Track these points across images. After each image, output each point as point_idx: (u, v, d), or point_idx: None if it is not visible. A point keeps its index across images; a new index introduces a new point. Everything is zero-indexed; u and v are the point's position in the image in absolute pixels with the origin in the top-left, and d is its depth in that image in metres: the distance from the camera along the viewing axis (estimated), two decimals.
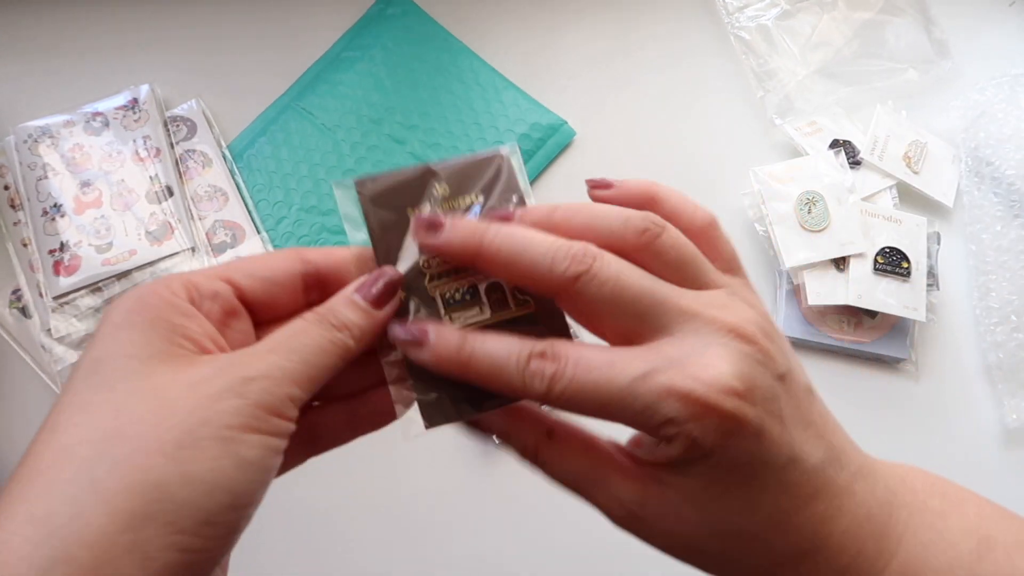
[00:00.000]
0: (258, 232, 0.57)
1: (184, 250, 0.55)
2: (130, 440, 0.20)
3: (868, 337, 0.56)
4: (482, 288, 0.27)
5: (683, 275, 0.24)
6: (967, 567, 0.25)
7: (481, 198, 0.28)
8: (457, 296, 0.26)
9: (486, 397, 0.25)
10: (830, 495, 0.24)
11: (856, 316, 0.56)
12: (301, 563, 0.51)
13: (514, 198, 0.28)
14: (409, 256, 0.27)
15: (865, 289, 0.54)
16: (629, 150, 0.62)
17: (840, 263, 0.56)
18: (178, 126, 0.59)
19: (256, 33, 0.64)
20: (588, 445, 0.25)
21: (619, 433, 0.25)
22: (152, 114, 0.59)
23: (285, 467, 0.26)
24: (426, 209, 0.27)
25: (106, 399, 0.21)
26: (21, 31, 0.63)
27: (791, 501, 0.24)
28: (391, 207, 0.27)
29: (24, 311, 0.54)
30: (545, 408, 0.26)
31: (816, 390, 0.26)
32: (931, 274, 0.56)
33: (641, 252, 0.24)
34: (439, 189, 0.27)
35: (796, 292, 0.56)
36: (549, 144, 0.61)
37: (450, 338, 0.24)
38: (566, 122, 0.62)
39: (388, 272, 0.26)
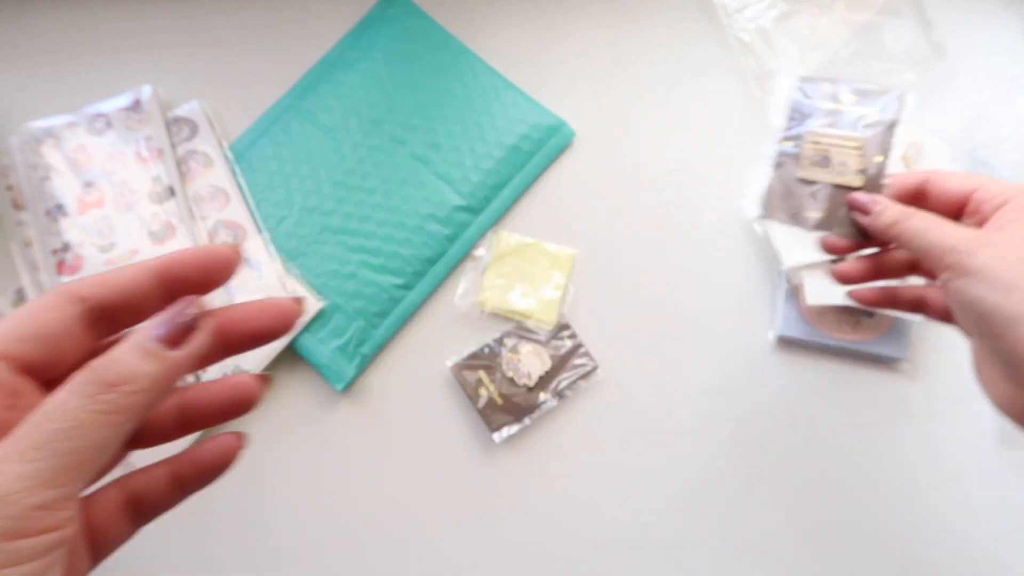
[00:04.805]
0: (260, 232, 0.57)
1: None
2: None
3: (866, 337, 0.56)
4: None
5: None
6: None
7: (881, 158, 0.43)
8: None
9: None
10: None
11: (855, 316, 0.56)
12: (301, 562, 0.52)
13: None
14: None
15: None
16: (629, 151, 0.62)
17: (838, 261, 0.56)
18: (180, 127, 0.60)
19: (257, 34, 0.64)
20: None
21: None
22: (154, 115, 0.59)
23: (108, 549, 0.24)
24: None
25: None
26: (24, 33, 0.63)
27: None
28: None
29: None
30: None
31: None
32: None
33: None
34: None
35: (795, 292, 0.57)
36: (549, 145, 0.61)
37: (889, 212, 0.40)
38: (566, 123, 0.62)
39: (187, 302, 0.23)
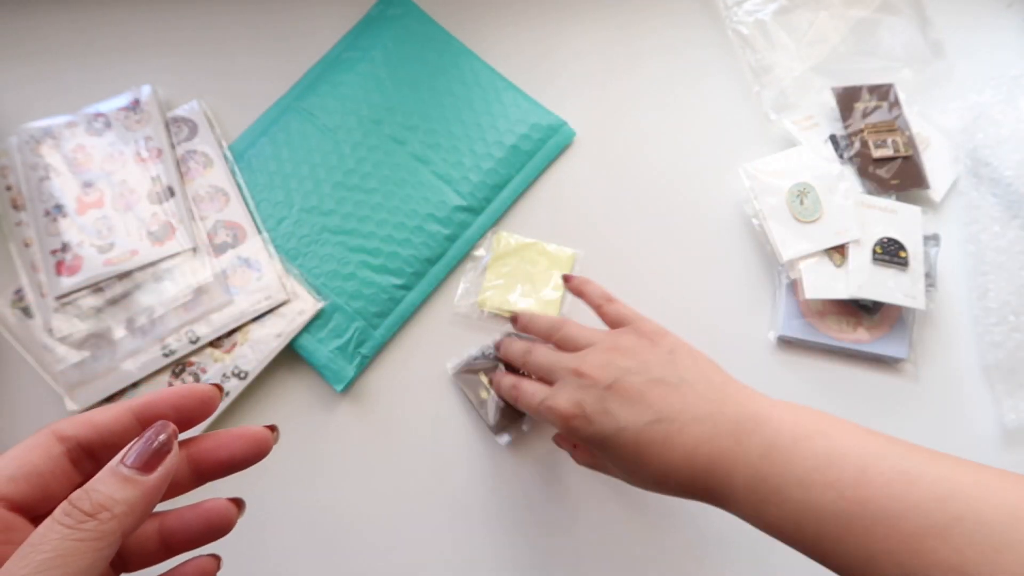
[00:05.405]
0: (259, 232, 0.57)
1: (185, 250, 0.55)
2: None
3: (867, 337, 0.56)
4: None
5: (567, 348, 0.44)
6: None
7: None
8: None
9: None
10: (663, 440, 0.37)
11: (855, 316, 0.56)
12: (302, 563, 0.52)
13: None
14: None
15: (865, 280, 0.55)
16: (629, 149, 0.62)
17: (837, 257, 0.56)
18: (179, 127, 0.60)
19: (257, 34, 0.64)
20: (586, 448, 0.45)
21: None
22: (153, 115, 0.59)
23: None
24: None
25: None
26: (24, 33, 0.63)
27: (636, 449, 0.37)
28: None
29: (26, 311, 0.54)
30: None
31: (660, 379, 0.39)
32: (929, 275, 0.56)
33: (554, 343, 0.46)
34: None
35: (795, 289, 0.57)
36: (549, 144, 0.61)
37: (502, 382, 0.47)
38: (566, 123, 0.62)
39: (159, 428, 0.24)
